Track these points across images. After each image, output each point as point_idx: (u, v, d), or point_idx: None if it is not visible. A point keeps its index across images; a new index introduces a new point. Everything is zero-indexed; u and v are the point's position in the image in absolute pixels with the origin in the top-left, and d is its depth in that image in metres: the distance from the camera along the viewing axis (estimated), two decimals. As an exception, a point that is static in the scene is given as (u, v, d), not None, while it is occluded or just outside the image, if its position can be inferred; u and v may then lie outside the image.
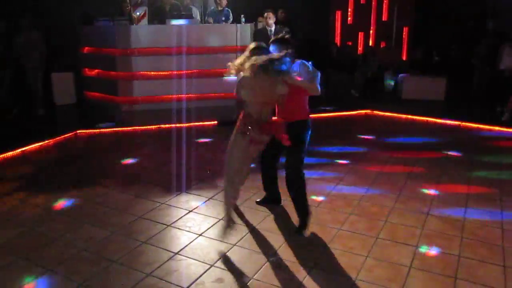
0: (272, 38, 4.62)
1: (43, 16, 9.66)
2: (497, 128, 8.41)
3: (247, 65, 4.14)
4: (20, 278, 3.75)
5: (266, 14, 9.08)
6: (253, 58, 4.14)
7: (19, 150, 7.00)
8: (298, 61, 4.36)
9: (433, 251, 4.18)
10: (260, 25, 9.61)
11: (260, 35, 9.02)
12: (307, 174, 4.66)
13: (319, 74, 4.35)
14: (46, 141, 7.45)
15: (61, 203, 5.20)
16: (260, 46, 4.43)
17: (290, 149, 4.38)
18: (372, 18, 13.40)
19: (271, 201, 5.12)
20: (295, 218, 4.70)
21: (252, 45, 4.45)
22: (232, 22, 9.19)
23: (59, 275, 3.80)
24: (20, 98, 9.36)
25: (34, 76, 9.24)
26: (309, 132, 4.50)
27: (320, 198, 5.30)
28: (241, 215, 4.90)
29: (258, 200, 5.21)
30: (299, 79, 4.22)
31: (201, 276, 3.79)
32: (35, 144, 7.25)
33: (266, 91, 4.14)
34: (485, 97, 10.38)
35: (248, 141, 4.22)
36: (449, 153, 7.08)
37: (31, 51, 9.04)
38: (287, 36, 4.57)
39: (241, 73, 4.24)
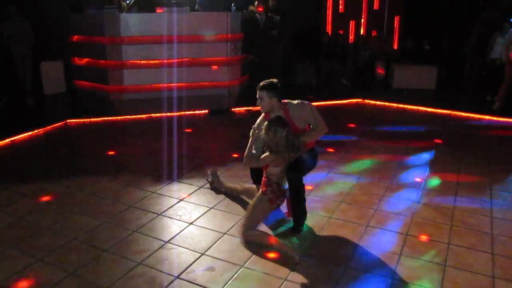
0: (260, 84, 4.32)
1: (32, 4, 9.55)
2: (487, 117, 8.47)
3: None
4: (10, 267, 3.73)
5: (256, 3, 9.04)
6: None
7: (8, 139, 6.94)
8: (288, 102, 4.35)
9: (423, 239, 4.21)
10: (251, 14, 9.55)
11: (249, 24, 8.98)
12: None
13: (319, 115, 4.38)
14: (36, 131, 7.40)
15: (51, 193, 5.17)
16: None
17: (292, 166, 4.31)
18: (363, 7, 13.36)
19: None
20: (286, 208, 4.71)
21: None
22: (223, 11, 9.12)
23: (49, 264, 3.79)
24: (8, 87, 9.27)
25: (23, 65, 9.17)
26: (315, 160, 4.56)
27: (311, 187, 5.31)
28: (231, 205, 4.90)
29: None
30: (310, 131, 4.39)
31: (191, 264, 3.79)
32: (24, 134, 7.20)
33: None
34: (476, 86, 10.43)
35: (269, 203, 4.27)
36: (440, 142, 7.11)
37: (19, 40, 8.96)
38: (275, 81, 4.33)
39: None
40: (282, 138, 4.07)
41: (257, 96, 4.35)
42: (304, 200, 4.44)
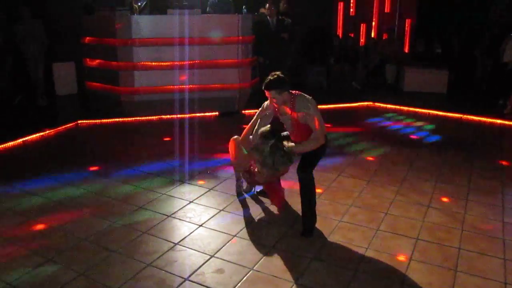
0: (265, 83, 4.26)
1: (44, 6, 9.62)
2: (499, 121, 8.39)
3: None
4: (21, 267, 3.76)
5: (267, 5, 9.04)
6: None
7: (20, 139, 7.00)
8: (297, 95, 4.29)
9: (433, 243, 4.18)
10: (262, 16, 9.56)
11: (261, 27, 8.98)
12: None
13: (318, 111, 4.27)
14: (47, 131, 7.45)
15: (61, 193, 5.20)
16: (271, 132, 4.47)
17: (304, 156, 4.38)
18: (374, 9, 13.31)
19: None
20: (294, 209, 4.72)
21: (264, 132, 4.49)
22: (234, 13, 9.13)
23: (59, 264, 3.81)
24: (21, 87, 9.36)
25: (35, 66, 9.24)
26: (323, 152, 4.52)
27: (321, 190, 5.29)
28: (241, 207, 4.90)
29: (258, 190, 5.21)
30: (306, 141, 4.29)
31: (201, 266, 3.80)
32: (36, 134, 7.25)
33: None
34: (488, 90, 10.35)
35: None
36: (451, 145, 7.06)
37: (31, 41, 9.03)
38: (280, 76, 4.24)
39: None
40: (267, 147, 4.32)
41: (267, 95, 4.31)
42: (315, 203, 4.43)
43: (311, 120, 4.20)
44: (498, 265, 3.85)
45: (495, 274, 3.71)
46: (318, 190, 5.23)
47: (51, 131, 7.51)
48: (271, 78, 4.23)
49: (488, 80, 10.63)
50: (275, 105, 4.33)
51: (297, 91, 4.32)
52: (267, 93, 4.29)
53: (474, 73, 10.99)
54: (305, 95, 4.30)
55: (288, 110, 4.30)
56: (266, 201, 5.01)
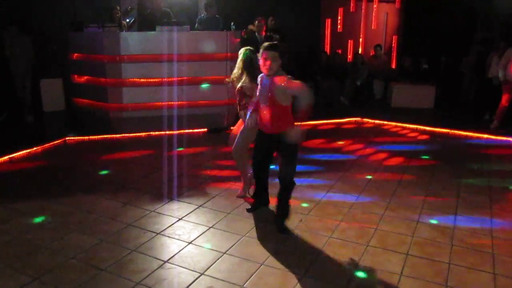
0: (272, 44, 4.56)
1: (32, 23, 9.60)
2: (485, 135, 8.47)
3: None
4: (7, 286, 3.69)
5: (257, 22, 9.10)
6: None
7: (7, 157, 6.93)
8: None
9: (423, 258, 4.18)
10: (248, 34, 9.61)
11: (249, 43, 9.01)
12: (297, 181, 4.67)
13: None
14: (34, 148, 7.38)
15: (49, 211, 5.14)
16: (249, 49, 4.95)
17: (287, 158, 4.54)
18: (362, 26, 13.47)
19: (260, 204, 5.20)
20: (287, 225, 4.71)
21: (242, 50, 4.95)
22: (223, 30, 9.18)
23: (47, 284, 3.75)
24: (7, 104, 9.28)
25: (23, 82, 9.19)
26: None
27: (310, 206, 5.29)
28: (230, 224, 4.87)
29: (248, 208, 5.19)
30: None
31: (191, 284, 3.76)
32: (23, 151, 7.18)
33: None
34: (474, 105, 10.47)
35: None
36: (439, 160, 7.11)
37: (19, 58, 8.99)
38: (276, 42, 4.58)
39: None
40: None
41: (267, 56, 4.41)
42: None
43: (293, 84, 4.37)
44: (488, 280, 3.85)
45: (485, 289, 3.72)
46: (305, 205, 5.26)
47: (38, 148, 7.44)
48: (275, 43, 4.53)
49: (475, 96, 10.75)
50: (267, 69, 4.45)
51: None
52: (265, 54, 4.41)
53: (460, 88, 11.12)
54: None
55: (275, 80, 4.42)
56: (255, 218, 4.98)
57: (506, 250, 4.37)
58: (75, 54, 8.83)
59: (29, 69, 9.24)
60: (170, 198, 5.54)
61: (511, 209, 5.34)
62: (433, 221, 4.95)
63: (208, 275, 3.89)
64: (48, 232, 4.63)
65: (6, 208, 5.21)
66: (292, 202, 4.77)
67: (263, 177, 5.01)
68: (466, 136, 8.57)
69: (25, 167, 6.73)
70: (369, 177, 6.31)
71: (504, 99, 8.96)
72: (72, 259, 4.12)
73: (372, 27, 13.50)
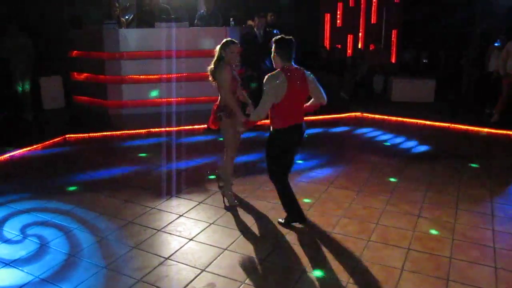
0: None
1: (32, 20, 9.58)
2: (486, 129, 8.46)
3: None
4: (9, 286, 3.70)
5: (257, 18, 9.06)
6: None
7: (7, 154, 6.92)
8: (271, 73, 4.44)
9: (425, 253, 4.18)
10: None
11: (248, 39, 9.00)
12: (298, 178, 4.67)
13: (264, 93, 4.38)
14: (35, 146, 7.38)
15: (49, 209, 5.14)
16: (227, 42, 4.85)
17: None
18: (361, 20, 13.44)
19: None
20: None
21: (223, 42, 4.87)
22: (222, 26, 9.16)
23: (48, 282, 3.75)
24: (7, 102, 9.27)
25: (23, 80, 9.17)
26: (277, 142, 4.55)
27: (311, 201, 5.28)
28: (231, 220, 4.87)
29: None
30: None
31: (192, 281, 3.76)
32: (23, 149, 7.18)
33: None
34: (474, 99, 10.45)
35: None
36: (439, 155, 7.10)
37: (19, 55, 8.97)
38: (288, 40, 4.46)
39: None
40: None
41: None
42: (291, 202, 4.63)
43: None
44: (489, 274, 3.85)
45: (486, 283, 3.71)
46: (306, 200, 5.24)
47: (38, 145, 7.43)
48: (278, 37, 4.45)
49: (474, 90, 10.73)
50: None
51: (276, 72, 4.42)
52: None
53: (460, 82, 11.09)
54: (274, 75, 4.37)
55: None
56: (255, 214, 4.98)
57: (507, 243, 4.37)
58: (75, 52, 8.82)
59: (29, 67, 9.22)
60: (171, 195, 5.53)
61: (512, 203, 5.35)
62: (434, 216, 4.94)
63: (209, 272, 3.89)
64: (49, 230, 4.63)
65: (6, 206, 5.21)
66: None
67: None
68: (467, 130, 8.55)
69: (24, 165, 6.72)
70: (370, 172, 6.30)
71: (504, 92, 8.94)
72: (73, 257, 4.13)
73: (372, 22, 13.47)
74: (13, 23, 8.91)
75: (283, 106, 4.36)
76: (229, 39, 4.94)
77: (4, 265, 4.00)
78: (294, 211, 4.65)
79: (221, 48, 4.86)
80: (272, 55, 4.44)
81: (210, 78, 4.99)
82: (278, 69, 4.40)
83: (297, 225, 4.68)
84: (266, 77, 4.38)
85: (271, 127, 4.53)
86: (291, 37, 4.44)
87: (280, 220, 4.74)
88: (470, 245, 4.32)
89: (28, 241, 4.43)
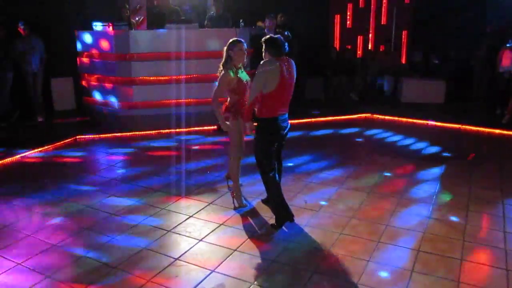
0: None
1: (43, 22, 9.65)
2: (497, 131, 8.39)
3: None
4: (18, 285, 3.72)
5: (267, 20, 9.07)
6: None
7: (18, 156, 6.98)
8: (262, 62, 4.55)
9: (435, 255, 4.15)
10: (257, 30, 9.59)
11: (258, 40, 8.98)
12: (309, 179, 4.66)
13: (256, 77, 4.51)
14: (46, 147, 7.43)
15: (60, 209, 5.17)
16: (233, 41, 4.87)
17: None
18: (371, 22, 13.39)
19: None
20: (295, 224, 4.70)
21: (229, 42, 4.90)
22: (231, 27, 9.16)
23: (59, 281, 3.77)
24: (20, 103, 9.36)
25: (34, 81, 9.25)
26: (269, 130, 4.61)
27: (321, 203, 5.28)
28: (241, 221, 4.88)
29: (263, 199, 5.19)
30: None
31: (202, 281, 3.77)
32: (34, 150, 7.24)
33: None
34: (485, 100, 10.37)
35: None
36: (450, 156, 7.06)
37: (30, 57, 9.05)
38: (274, 39, 4.56)
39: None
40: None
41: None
42: (279, 198, 4.66)
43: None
44: (500, 276, 3.83)
45: (498, 285, 3.69)
46: (318, 203, 5.24)
47: (49, 146, 7.49)
48: (267, 37, 4.56)
49: (485, 90, 10.64)
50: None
51: (270, 59, 4.51)
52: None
53: (471, 83, 11.01)
54: (267, 64, 4.46)
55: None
56: (265, 215, 4.98)
57: (519, 245, 4.33)
58: (85, 53, 8.88)
59: (40, 68, 9.30)
60: (180, 196, 5.55)
61: (524, 205, 5.30)
62: (444, 217, 4.92)
63: (218, 272, 3.90)
64: (60, 230, 4.66)
65: (17, 206, 5.25)
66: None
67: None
68: (478, 131, 8.49)
69: (36, 166, 6.77)
70: (380, 173, 6.28)
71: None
72: (83, 257, 4.15)
73: (382, 23, 13.41)
74: (24, 25, 8.98)
75: (274, 94, 4.45)
76: (234, 38, 4.96)
77: (16, 264, 4.04)
78: (282, 211, 4.67)
79: (228, 49, 4.87)
80: (263, 54, 4.55)
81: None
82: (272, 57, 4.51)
83: (307, 228, 4.67)
84: (261, 63, 4.48)
85: (260, 117, 4.57)
86: (278, 35, 4.61)
87: (273, 223, 4.72)
88: (481, 247, 4.30)
89: (36, 242, 4.46)
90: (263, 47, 4.53)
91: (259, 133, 4.62)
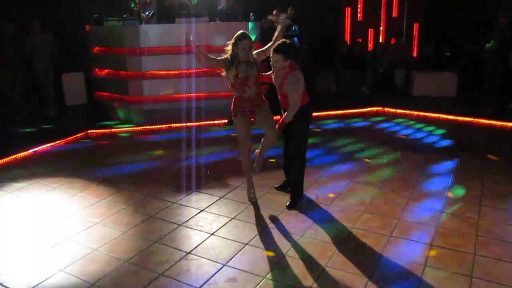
0: (277, 47, 4.58)
1: (54, 17, 9.69)
2: (510, 124, 8.29)
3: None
4: (30, 279, 3.75)
5: (275, 12, 9.03)
6: None
7: (31, 150, 7.02)
8: (292, 72, 4.66)
9: (448, 249, 4.12)
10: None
11: (268, 33, 8.95)
12: (320, 173, 4.65)
13: (296, 92, 4.65)
14: (57, 142, 7.47)
15: (72, 204, 5.20)
16: (238, 37, 4.83)
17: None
18: (382, 14, 13.29)
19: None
20: (305, 217, 4.70)
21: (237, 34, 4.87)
22: (241, 21, 9.14)
23: (71, 275, 3.80)
24: (32, 98, 9.43)
25: (45, 76, 9.31)
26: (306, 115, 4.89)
27: (332, 196, 5.26)
28: (252, 215, 4.87)
29: (276, 186, 5.50)
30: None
31: (213, 275, 3.77)
32: (46, 145, 7.28)
33: None
34: (498, 93, 10.25)
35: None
36: (462, 150, 7.00)
37: (42, 52, 9.10)
38: (288, 43, 4.61)
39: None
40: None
41: (272, 57, 4.58)
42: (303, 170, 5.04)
43: (289, 95, 4.65)
44: (514, 271, 3.79)
45: (511, 280, 3.65)
46: (329, 197, 5.22)
47: (61, 141, 7.52)
48: (281, 43, 4.57)
49: (498, 84, 10.52)
50: (276, 68, 4.65)
51: (296, 68, 4.68)
52: (274, 57, 4.57)
53: (483, 76, 10.89)
54: (299, 74, 4.65)
55: (281, 75, 4.68)
56: (277, 209, 4.97)
57: (533, 240, 4.29)
58: (96, 48, 8.90)
59: (52, 64, 9.35)
60: (191, 190, 5.56)
61: (538, 199, 5.24)
62: (457, 211, 4.87)
63: (230, 266, 3.90)
64: (72, 225, 4.69)
65: (29, 200, 5.29)
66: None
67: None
68: (490, 125, 8.40)
69: (48, 160, 6.81)
70: (391, 167, 6.24)
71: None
72: (95, 251, 4.17)
73: (393, 15, 13.31)
74: (35, 21, 9.03)
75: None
76: (240, 32, 4.85)
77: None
78: (302, 188, 5.14)
79: (233, 45, 4.79)
80: (279, 63, 4.57)
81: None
82: (297, 69, 4.69)
83: (318, 222, 4.66)
84: (295, 76, 4.60)
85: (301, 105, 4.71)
86: (288, 40, 4.69)
87: (287, 205, 5.00)
88: (494, 242, 4.25)
89: (47, 235, 4.49)
90: (281, 56, 4.54)
91: (299, 119, 4.72)
